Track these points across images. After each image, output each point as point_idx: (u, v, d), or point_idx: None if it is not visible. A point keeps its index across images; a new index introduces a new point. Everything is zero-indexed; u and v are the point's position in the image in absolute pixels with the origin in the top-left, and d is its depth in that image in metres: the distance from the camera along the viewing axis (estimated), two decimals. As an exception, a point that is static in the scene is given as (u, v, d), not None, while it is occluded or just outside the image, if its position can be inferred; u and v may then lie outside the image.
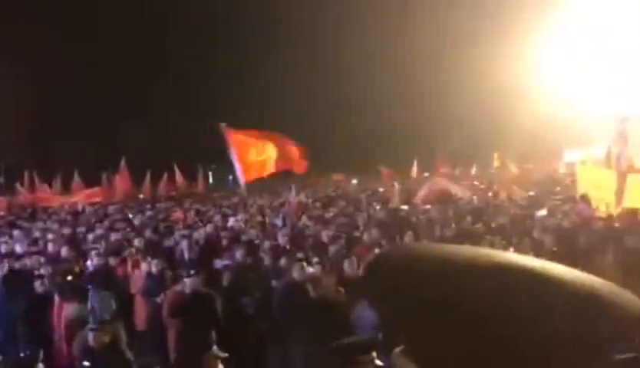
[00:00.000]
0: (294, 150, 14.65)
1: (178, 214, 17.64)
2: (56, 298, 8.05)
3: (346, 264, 8.06)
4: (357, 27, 57.32)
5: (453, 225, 11.95)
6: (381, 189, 25.70)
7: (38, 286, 8.32)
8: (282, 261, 8.79)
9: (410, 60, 52.91)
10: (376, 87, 56.95)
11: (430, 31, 48.67)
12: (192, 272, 7.69)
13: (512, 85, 36.01)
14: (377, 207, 16.85)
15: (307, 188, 28.17)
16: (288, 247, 10.34)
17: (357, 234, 11.82)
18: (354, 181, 34.69)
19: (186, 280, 7.59)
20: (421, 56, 50.76)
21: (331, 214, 15.55)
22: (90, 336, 5.94)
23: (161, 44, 63.62)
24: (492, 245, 8.67)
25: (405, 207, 16.46)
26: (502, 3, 39.73)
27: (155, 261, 8.91)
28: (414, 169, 31.38)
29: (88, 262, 9.81)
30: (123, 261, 9.92)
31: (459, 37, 45.11)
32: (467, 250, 0.86)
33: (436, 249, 0.90)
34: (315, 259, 8.52)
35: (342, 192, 26.64)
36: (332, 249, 10.20)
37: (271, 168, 13.34)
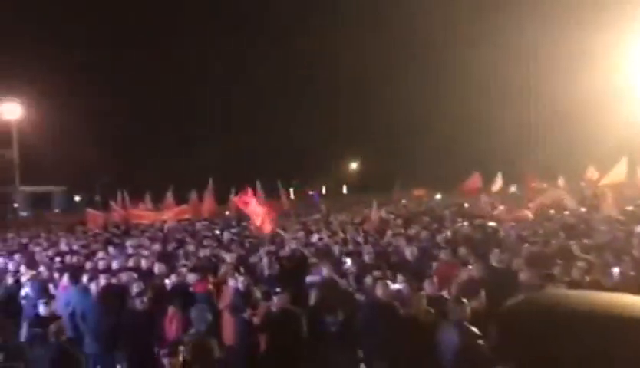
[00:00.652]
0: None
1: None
2: (170, 309, 8.40)
3: (426, 284, 7.86)
4: (441, 42, 56.81)
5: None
6: (466, 205, 25.06)
7: (133, 301, 8.66)
8: (367, 279, 8.71)
9: (494, 73, 51.57)
10: (457, 101, 56.00)
11: (516, 44, 47.41)
12: (278, 289, 7.77)
13: (604, 95, 34.27)
14: (464, 223, 16.44)
15: (388, 205, 27.87)
16: (371, 264, 10.23)
17: (441, 251, 11.53)
18: (438, 196, 33.94)
19: (274, 297, 7.68)
20: (506, 68, 49.43)
21: (414, 230, 15.30)
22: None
23: (241, 67, 65.65)
24: (588, 265, 8.18)
25: (493, 223, 15.97)
26: (596, 13, 37.98)
27: (242, 278, 9.06)
28: (499, 182, 30.25)
29: (173, 277, 10.09)
30: (208, 276, 10.16)
31: (548, 48, 43.38)
32: (610, 298, 0.79)
33: (579, 298, 0.82)
34: (400, 277, 8.38)
35: (425, 208, 26.17)
36: (416, 267, 10.05)
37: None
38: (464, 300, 6.47)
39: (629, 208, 16.66)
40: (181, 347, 5.86)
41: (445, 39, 57.21)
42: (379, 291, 7.50)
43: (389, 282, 7.71)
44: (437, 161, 55.93)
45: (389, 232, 14.92)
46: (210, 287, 9.62)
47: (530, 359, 0.76)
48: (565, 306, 0.79)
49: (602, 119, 35.61)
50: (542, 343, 0.74)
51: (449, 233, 14.05)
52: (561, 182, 28.41)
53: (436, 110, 59.66)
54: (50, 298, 8.38)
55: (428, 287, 7.79)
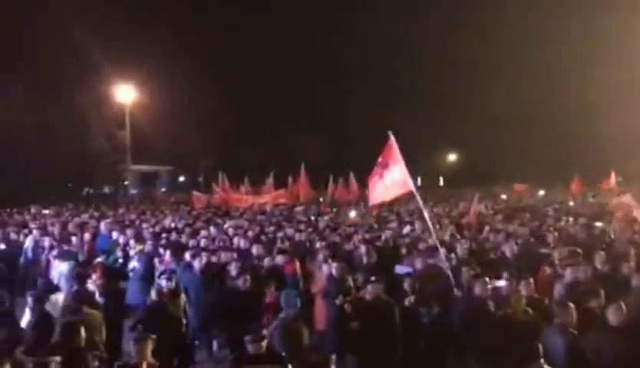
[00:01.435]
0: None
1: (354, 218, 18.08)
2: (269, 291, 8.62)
3: (522, 285, 7.54)
4: (551, 37, 54.33)
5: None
6: (572, 203, 23.85)
7: (233, 281, 8.99)
8: (464, 274, 8.52)
9: (609, 69, 48.49)
10: (562, 98, 53.30)
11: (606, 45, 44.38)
12: (372, 278, 7.77)
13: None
14: (569, 221, 15.67)
15: (487, 199, 27.05)
16: (465, 259, 9.99)
17: (543, 250, 11.06)
18: (541, 192, 32.40)
19: (368, 286, 7.70)
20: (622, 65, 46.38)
21: (513, 227, 14.75)
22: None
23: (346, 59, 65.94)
24: None
25: (599, 224, 15.08)
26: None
27: (335, 264, 9.15)
28: (611, 181, 28.43)
29: (272, 259, 10.36)
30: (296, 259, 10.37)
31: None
32: None
33: None
34: (505, 275, 8.11)
35: (526, 204, 25.15)
36: (515, 265, 9.69)
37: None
38: (570, 303, 6.17)
39: None
40: (265, 331, 5.90)
41: (555, 33, 54.41)
42: (477, 289, 7.30)
43: (487, 279, 7.46)
44: (541, 156, 53.53)
45: (486, 228, 14.47)
46: (298, 270, 9.80)
47: None
48: None
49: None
50: None
51: (553, 232, 13.36)
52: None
53: (542, 104, 57.02)
54: (171, 273, 8.62)
55: (525, 289, 7.45)
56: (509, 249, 10.71)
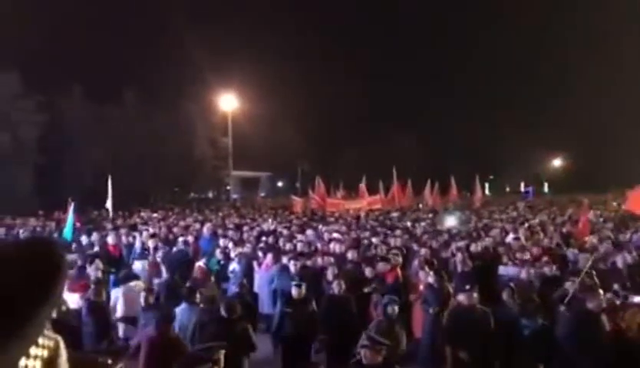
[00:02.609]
0: None
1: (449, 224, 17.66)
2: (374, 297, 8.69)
3: (637, 299, 6.99)
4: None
5: None
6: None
7: (330, 286, 9.04)
8: (568, 285, 8.06)
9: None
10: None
11: None
12: (467, 287, 7.55)
13: None
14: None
15: (596, 206, 25.45)
16: (573, 271, 9.43)
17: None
18: None
19: (461, 294, 7.51)
20: None
21: (627, 236, 13.81)
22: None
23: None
24: None
25: None
26: None
27: (433, 274, 8.98)
28: None
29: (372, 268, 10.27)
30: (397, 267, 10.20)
31: None
32: None
33: None
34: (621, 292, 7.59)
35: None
36: (628, 276, 9.07)
37: None
38: None
39: None
40: (385, 341, 5.47)
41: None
42: (590, 302, 6.79)
43: (602, 293, 6.97)
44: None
45: (591, 236, 13.59)
46: (400, 277, 9.69)
47: None
48: None
49: None
50: None
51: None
52: None
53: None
54: (302, 281, 8.53)
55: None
56: (621, 260, 10.03)
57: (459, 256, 10.74)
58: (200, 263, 11.55)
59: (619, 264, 10.01)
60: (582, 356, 6.45)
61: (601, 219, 19.29)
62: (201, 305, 8.03)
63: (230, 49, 51.94)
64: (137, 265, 11.52)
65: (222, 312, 7.02)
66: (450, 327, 7.45)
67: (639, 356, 5.93)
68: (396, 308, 7.16)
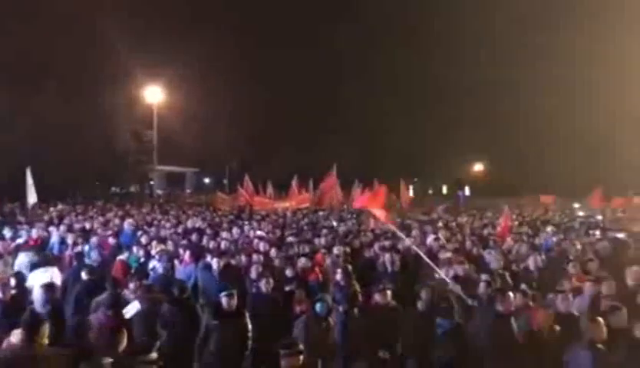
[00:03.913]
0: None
1: (372, 223, 17.94)
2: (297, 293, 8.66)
3: (559, 300, 7.35)
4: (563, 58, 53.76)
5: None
6: (599, 217, 23.40)
7: (256, 284, 8.95)
8: (482, 286, 8.35)
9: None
10: (592, 112, 52.54)
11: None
12: (386, 286, 7.73)
13: None
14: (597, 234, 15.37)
15: (512, 210, 26.60)
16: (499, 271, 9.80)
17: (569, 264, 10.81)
18: (576, 205, 31.69)
19: (377, 293, 7.66)
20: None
21: (541, 240, 14.52)
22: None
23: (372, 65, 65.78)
24: None
25: (621, 235, 14.82)
26: None
27: (340, 271, 9.10)
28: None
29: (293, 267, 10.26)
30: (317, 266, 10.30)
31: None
32: None
33: None
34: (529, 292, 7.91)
35: (550, 217, 24.73)
36: (539, 278, 9.52)
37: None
38: (600, 319, 6.00)
39: None
40: (301, 346, 5.26)
41: (583, 50, 53.77)
42: (500, 303, 7.01)
43: (511, 293, 7.26)
44: (570, 168, 52.66)
45: (508, 239, 14.22)
46: (320, 277, 9.76)
47: None
48: None
49: None
50: None
51: (578, 245, 13.11)
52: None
53: (571, 117, 56.16)
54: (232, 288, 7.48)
55: (561, 304, 7.30)
56: (532, 262, 10.50)
57: (387, 256, 10.89)
58: (122, 257, 11.22)
59: (531, 266, 10.46)
60: (493, 355, 6.68)
61: (516, 223, 20.17)
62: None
63: (157, 40, 50.57)
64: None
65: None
66: (366, 326, 7.56)
67: (550, 357, 6.19)
68: (325, 306, 7.18)
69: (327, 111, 66.15)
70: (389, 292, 7.76)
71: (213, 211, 24.22)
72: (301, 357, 5.11)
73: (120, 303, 7.61)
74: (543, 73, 57.46)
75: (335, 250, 11.76)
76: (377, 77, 69.86)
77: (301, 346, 5.20)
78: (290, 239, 13.73)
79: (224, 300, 7.21)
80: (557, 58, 59.36)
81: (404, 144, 60.95)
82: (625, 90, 50.08)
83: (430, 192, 68.29)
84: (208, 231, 15.29)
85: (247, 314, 7.35)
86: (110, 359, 4.96)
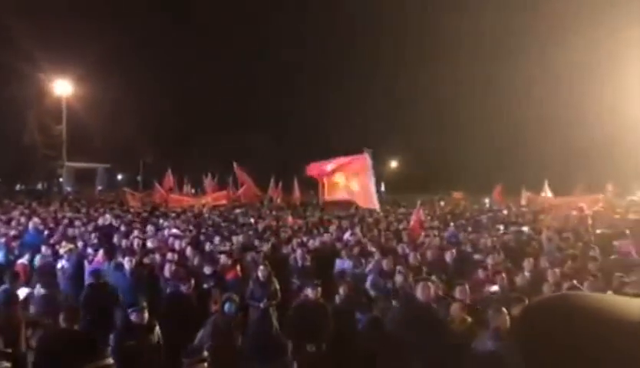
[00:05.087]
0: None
1: (290, 220, 18.08)
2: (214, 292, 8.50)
3: (457, 291, 7.61)
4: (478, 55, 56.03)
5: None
6: (505, 212, 24.62)
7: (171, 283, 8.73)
8: (399, 278, 8.58)
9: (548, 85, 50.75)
10: (511, 106, 55.07)
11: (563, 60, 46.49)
12: (310, 282, 7.77)
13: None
14: (501, 229, 16.14)
15: (425, 206, 27.52)
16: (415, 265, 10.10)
17: (478, 256, 11.34)
18: (487, 200, 33.16)
19: (308, 288, 7.70)
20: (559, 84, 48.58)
21: (449, 234, 15.09)
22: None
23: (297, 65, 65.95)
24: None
25: (525, 229, 15.73)
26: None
27: (262, 268, 9.06)
28: (545, 191, 29.55)
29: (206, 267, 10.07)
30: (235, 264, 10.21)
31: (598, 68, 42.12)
32: (629, 303, 0.78)
33: (596, 302, 0.82)
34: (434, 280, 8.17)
35: (461, 212, 25.76)
36: (453, 270, 9.89)
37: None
38: (504, 309, 6.26)
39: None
40: (205, 353, 5.26)
41: (495, 47, 56.28)
42: (420, 292, 7.21)
43: (430, 284, 7.48)
44: (481, 165, 54.98)
45: (422, 233, 14.72)
46: (239, 274, 9.67)
47: (540, 354, 0.78)
48: (582, 307, 0.80)
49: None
50: (555, 340, 0.77)
51: (487, 238, 13.78)
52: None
53: (488, 115, 58.60)
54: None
55: (459, 294, 7.53)
56: (448, 255, 10.92)
57: (299, 252, 10.98)
58: (24, 260, 10.62)
59: (447, 259, 10.88)
60: (411, 346, 6.86)
61: (429, 217, 20.86)
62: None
63: (68, 33, 48.07)
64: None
65: None
66: (294, 321, 7.56)
67: (461, 347, 6.39)
68: (233, 306, 7.08)
69: (244, 107, 65.51)
70: (319, 288, 7.78)
71: (126, 210, 23.39)
72: (205, 364, 5.05)
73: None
74: (457, 73, 59.54)
75: (264, 247, 11.73)
76: (294, 74, 69.96)
77: (205, 354, 5.15)
78: (215, 236, 13.56)
79: (134, 316, 6.79)
80: (471, 57, 61.63)
81: (322, 141, 61.44)
82: (533, 90, 52.82)
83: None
84: (122, 228, 14.78)
85: (157, 328, 6.97)
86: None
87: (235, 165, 24.13)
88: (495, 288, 8.33)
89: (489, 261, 10.17)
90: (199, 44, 64.26)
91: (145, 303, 6.86)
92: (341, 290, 8.17)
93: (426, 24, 59.86)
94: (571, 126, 46.10)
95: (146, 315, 6.80)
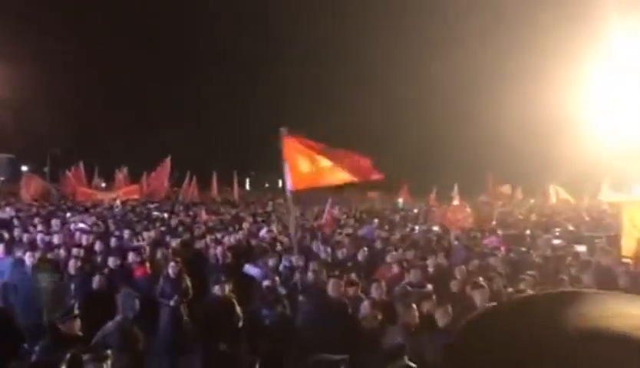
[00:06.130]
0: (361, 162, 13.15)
1: (204, 216, 17.86)
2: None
3: (373, 288, 7.72)
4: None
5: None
6: (415, 210, 25.45)
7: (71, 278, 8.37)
8: (310, 275, 8.65)
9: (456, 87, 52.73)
10: (423, 111, 56.78)
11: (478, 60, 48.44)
12: (221, 278, 7.69)
13: (562, 115, 35.33)
14: (414, 227, 16.70)
15: (341, 203, 27.96)
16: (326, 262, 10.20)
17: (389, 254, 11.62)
18: (400, 200, 33.96)
19: (216, 286, 7.59)
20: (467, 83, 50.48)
21: (365, 231, 15.39)
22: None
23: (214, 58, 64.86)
24: (531, 282, 8.20)
25: (435, 228, 16.33)
26: (555, 35, 39.03)
27: (172, 264, 8.87)
28: (455, 192, 30.84)
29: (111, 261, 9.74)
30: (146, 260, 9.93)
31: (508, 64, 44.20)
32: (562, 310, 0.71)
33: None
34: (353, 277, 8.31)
35: (376, 210, 26.40)
36: (366, 268, 10.08)
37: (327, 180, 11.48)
38: (413, 305, 6.40)
39: (571, 228, 17.12)
40: (109, 351, 5.05)
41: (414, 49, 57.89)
42: (331, 289, 7.29)
43: (341, 282, 7.57)
44: (395, 166, 56.37)
45: (338, 231, 14.94)
46: (149, 271, 9.40)
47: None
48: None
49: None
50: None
51: (398, 236, 14.18)
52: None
53: (400, 113, 60.24)
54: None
55: (375, 292, 7.61)
56: (361, 253, 11.12)
57: (219, 249, 10.84)
58: None
59: (360, 257, 11.07)
60: (318, 341, 6.93)
61: (344, 216, 21.21)
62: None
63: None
64: None
65: None
66: (203, 319, 7.44)
67: (374, 343, 6.50)
68: (135, 304, 6.85)
69: (160, 103, 63.83)
70: (226, 285, 7.69)
71: (32, 201, 22.03)
72: (109, 362, 4.89)
73: None
74: (371, 72, 60.73)
75: (173, 243, 11.54)
76: (212, 72, 68.92)
77: (108, 352, 4.98)
78: (118, 232, 13.09)
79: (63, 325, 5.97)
80: (396, 54, 62.87)
81: (241, 138, 60.97)
82: (446, 91, 54.78)
83: (267, 185, 69.09)
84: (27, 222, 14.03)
85: None
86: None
87: (168, 160, 23.34)
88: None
89: (401, 257, 10.45)
90: (112, 35, 61.98)
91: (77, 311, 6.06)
92: (254, 287, 8.18)
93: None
94: (480, 127, 48.17)
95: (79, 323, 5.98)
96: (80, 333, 5.82)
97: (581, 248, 12.31)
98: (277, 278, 8.44)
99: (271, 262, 9.59)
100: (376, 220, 18.78)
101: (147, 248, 11.01)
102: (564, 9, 37.85)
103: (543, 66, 40.59)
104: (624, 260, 10.24)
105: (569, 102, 33.91)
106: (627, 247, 10.94)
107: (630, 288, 8.12)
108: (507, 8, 46.89)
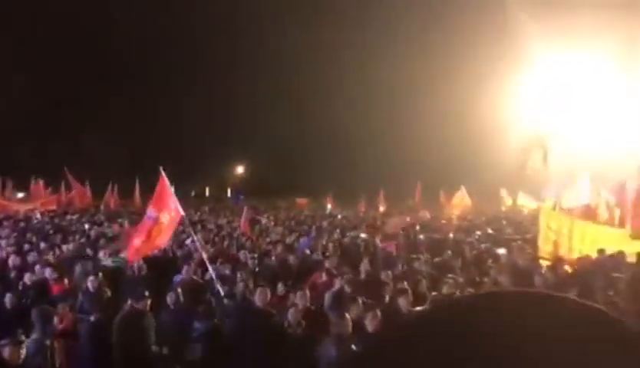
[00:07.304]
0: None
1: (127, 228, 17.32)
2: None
3: (298, 296, 7.64)
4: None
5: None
6: (340, 217, 25.77)
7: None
8: (241, 285, 8.56)
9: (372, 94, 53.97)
10: (350, 116, 57.36)
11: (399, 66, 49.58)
12: (140, 290, 7.45)
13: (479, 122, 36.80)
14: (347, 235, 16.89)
15: (270, 211, 27.92)
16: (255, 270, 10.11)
17: (318, 260, 11.67)
18: (329, 206, 34.12)
19: (134, 299, 7.34)
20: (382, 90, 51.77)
21: (292, 238, 15.41)
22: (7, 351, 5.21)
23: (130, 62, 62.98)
24: (453, 284, 8.42)
25: (364, 235, 16.56)
26: (480, 40, 40.44)
27: (92, 278, 8.52)
28: (381, 199, 31.46)
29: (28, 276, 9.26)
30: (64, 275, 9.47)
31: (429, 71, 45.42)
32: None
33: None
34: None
35: (304, 217, 26.46)
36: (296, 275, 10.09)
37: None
38: (347, 315, 6.32)
39: (490, 231, 17.83)
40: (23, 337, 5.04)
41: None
42: (258, 298, 7.22)
43: (267, 291, 7.49)
44: (325, 173, 56.66)
45: (267, 239, 14.91)
46: (67, 286, 8.98)
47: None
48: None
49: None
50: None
51: (325, 243, 14.28)
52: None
53: (336, 123, 60.61)
54: None
55: (300, 299, 7.53)
56: (292, 260, 11.13)
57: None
58: None
59: (290, 261, 11.10)
60: (246, 349, 6.85)
61: (272, 224, 21.14)
62: None
63: None
64: None
65: None
66: (120, 334, 7.16)
67: (302, 352, 6.46)
68: (54, 320, 6.53)
69: (76, 106, 61.15)
70: (147, 299, 7.43)
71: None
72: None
73: None
74: (305, 78, 60.72)
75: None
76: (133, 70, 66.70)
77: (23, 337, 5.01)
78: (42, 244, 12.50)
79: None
80: (318, 61, 63.08)
81: (172, 145, 59.50)
82: (371, 99, 55.68)
83: (193, 194, 67.70)
84: None
85: None
86: None
87: (65, 169, 22.44)
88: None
89: (329, 264, 10.51)
90: (26, 40, 58.98)
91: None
92: (171, 299, 7.97)
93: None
94: (405, 135, 49.20)
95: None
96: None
97: (501, 251, 12.85)
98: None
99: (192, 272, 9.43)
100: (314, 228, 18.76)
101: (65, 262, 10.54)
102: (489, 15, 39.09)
103: (462, 70, 41.99)
104: (540, 260, 10.87)
105: (490, 111, 35.51)
106: (544, 248, 11.67)
107: (545, 287, 8.59)
108: (434, 13, 48.06)
